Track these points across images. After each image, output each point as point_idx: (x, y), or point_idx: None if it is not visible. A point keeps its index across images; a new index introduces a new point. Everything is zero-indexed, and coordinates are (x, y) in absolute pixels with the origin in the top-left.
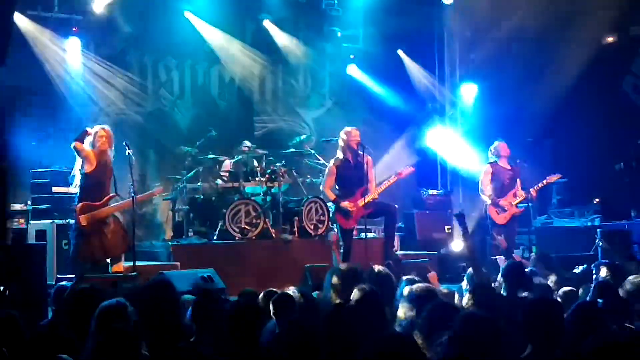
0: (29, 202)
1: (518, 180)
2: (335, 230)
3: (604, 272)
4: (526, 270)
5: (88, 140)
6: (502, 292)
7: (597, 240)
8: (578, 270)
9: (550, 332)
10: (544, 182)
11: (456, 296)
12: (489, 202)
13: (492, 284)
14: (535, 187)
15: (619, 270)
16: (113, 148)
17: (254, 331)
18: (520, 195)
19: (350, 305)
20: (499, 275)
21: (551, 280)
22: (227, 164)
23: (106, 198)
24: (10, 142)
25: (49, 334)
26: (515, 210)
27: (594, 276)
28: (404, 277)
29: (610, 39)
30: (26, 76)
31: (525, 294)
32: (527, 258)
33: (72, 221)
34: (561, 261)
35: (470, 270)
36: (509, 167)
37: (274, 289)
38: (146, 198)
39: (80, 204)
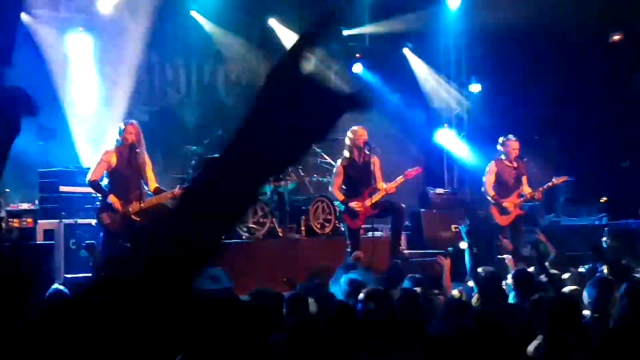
0: (37, 202)
1: (524, 178)
2: (343, 229)
3: (606, 270)
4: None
5: (116, 135)
6: (510, 299)
7: (603, 239)
8: (583, 269)
9: (566, 328)
10: (550, 183)
11: (463, 295)
12: (492, 201)
13: (500, 284)
14: (541, 189)
15: (621, 268)
16: (143, 143)
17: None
18: (526, 193)
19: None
20: (509, 279)
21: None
22: None
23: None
24: (17, 142)
25: None
26: (518, 211)
27: (597, 274)
28: (408, 276)
29: (617, 37)
30: (32, 75)
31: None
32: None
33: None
34: (568, 259)
35: (479, 270)
36: (514, 165)
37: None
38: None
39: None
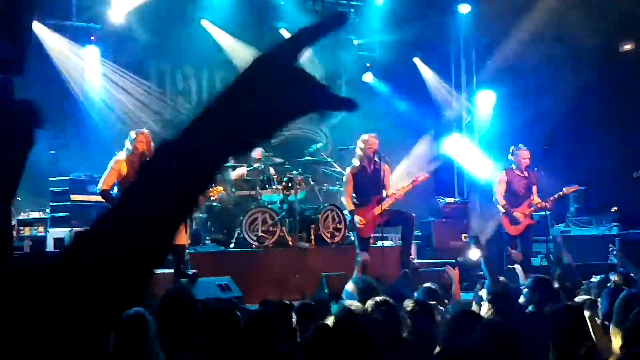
0: (48, 210)
1: (534, 187)
2: (353, 238)
3: (615, 279)
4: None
5: (127, 144)
6: (528, 308)
7: (611, 249)
8: (595, 279)
9: (576, 337)
10: (561, 192)
11: (474, 305)
12: (502, 211)
13: (510, 294)
14: (552, 198)
15: (632, 278)
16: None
17: (273, 340)
18: (536, 203)
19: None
20: (525, 290)
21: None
22: (243, 171)
23: None
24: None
25: None
26: (529, 221)
27: (609, 285)
28: (423, 285)
29: (628, 46)
30: (44, 85)
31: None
32: (545, 266)
33: None
34: (579, 270)
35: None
36: (525, 175)
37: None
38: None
39: None
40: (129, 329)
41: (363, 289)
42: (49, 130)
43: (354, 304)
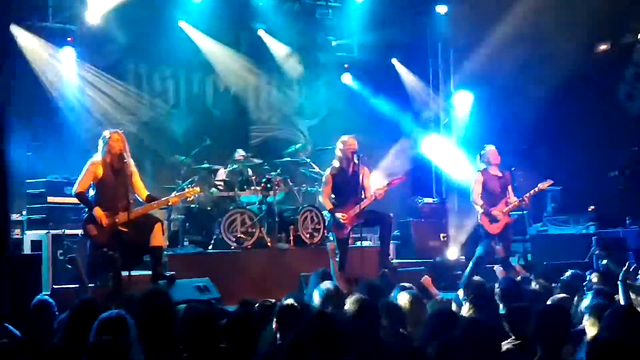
0: (24, 212)
1: (509, 187)
2: (332, 239)
3: (595, 278)
4: (518, 278)
5: (100, 145)
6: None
7: (592, 248)
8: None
9: (560, 336)
10: (536, 189)
11: (453, 305)
12: (481, 211)
13: (485, 293)
14: (527, 195)
15: (611, 277)
16: (129, 152)
17: (253, 341)
18: (512, 202)
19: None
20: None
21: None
22: (222, 172)
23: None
24: (5, 152)
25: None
26: (507, 219)
27: (585, 283)
28: (399, 284)
29: (603, 47)
30: (20, 86)
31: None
32: (522, 266)
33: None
34: (555, 269)
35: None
36: (500, 174)
37: (270, 300)
38: (178, 199)
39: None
40: (108, 330)
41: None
42: (26, 132)
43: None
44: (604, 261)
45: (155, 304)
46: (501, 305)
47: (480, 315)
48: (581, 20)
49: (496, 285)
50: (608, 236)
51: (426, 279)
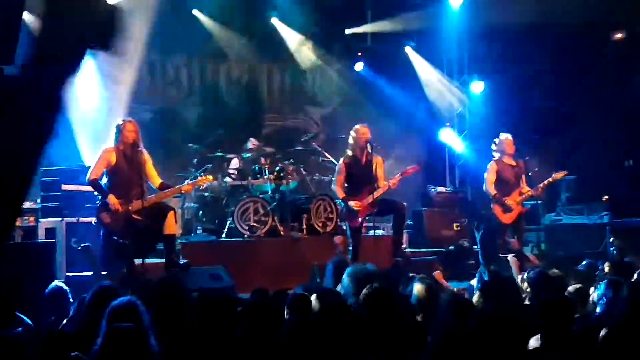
0: (39, 200)
1: (523, 176)
2: (344, 227)
3: (607, 268)
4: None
5: (113, 134)
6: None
7: (609, 238)
8: (582, 265)
9: (563, 326)
10: (550, 179)
11: (466, 294)
12: (494, 200)
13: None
14: (542, 185)
15: (625, 266)
16: (141, 140)
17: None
18: (526, 192)
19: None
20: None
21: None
22: (235, 161)
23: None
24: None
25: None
26: (521, 208)
27: (597, 272)
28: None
29: (619, 35)
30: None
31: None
32: (536, 255)
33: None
34: (570, 259)
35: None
36: (514, 164)
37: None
38: (191, 187)
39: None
40: (120, 317)
41: (360, 279)
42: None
43: None
44: (616, 251)
45: (170, 291)
46: (526, 297)
47: (492, 305)
48: (596, 8)
49: (524, 275)
50: (622, 226)
51: (437, 274)
